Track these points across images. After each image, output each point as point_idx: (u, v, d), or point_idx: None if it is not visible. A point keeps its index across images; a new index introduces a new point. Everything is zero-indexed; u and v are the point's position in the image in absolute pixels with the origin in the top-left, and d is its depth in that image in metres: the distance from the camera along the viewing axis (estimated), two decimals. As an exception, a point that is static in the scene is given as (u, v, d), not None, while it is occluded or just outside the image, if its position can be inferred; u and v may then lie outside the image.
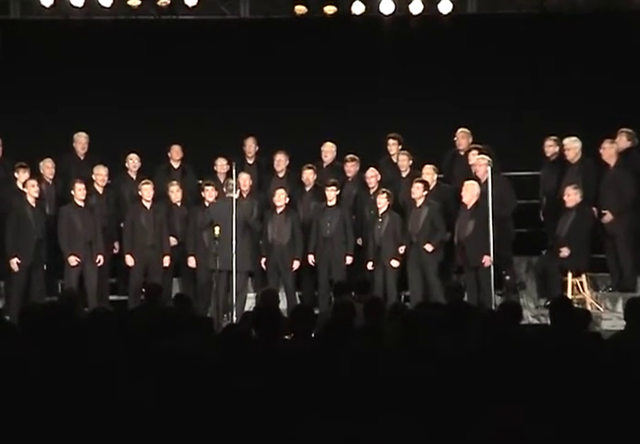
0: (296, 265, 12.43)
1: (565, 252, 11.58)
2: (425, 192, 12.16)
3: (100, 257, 12.21)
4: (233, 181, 12.05)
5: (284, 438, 4.32)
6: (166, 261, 12.39)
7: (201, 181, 13.07)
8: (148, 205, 12.46)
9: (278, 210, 12.50)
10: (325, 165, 13.24)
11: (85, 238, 12.14)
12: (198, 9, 14.51)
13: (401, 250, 12.15)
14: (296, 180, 13.22)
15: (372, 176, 12.67)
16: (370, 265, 12.24)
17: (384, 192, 12.29)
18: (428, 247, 11.95)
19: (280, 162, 13.18)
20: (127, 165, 13.11)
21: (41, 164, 12.78)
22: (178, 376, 4.72)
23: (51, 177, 12.81)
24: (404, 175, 12.81)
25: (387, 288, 12.08)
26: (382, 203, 12.28)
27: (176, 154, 13.34)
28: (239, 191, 12.47)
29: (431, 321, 6.37)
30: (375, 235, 12.25)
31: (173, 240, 12.61)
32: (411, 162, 12.81)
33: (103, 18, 14.68)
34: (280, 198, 12.47)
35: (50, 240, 12.32)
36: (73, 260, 12.04)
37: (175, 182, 12.87)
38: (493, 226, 11.43)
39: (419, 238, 12.05)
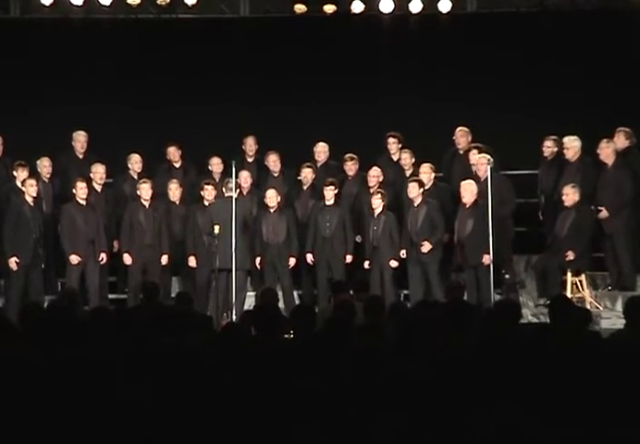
0: (292, 262, 12.44)
1: (571, 256, 11.59)
2: (421, 191, 12.18)
3: (103, 255, 12.23)
4: (233, 180, 12.06)
5: (284, 438, 4.32)
6: (164, 259, 12.39)
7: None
8: (147, 204, 12.46)
9: (271, 210, 12.49)
10: (318, 164, 13.24)
11: (87, 236, 12.15)
12: (197, 8, 14.51)
13: (403, 254, 12.16)
14: (292, 179, 13.23)
15: (374, 175, 12.67)
16: (367, 265, 12.26)
17: (378, 193, 12.31)
18: (425, 248, 11.96)
19: (276, 162, 13.17)
20: (129, 164, 13.11)
21: (38, 162, 12.77)
22: (178, 375, 4.72)
23: (48, 175, 12.80)
24: (407, 173, 12.82)
25: (384, 287, 12.09)
26: (377, 203, 12.29)
27: (172, 155, 13.34)
28: (238, 189, 12.48)
29: (431, 320, 6.38)
30: (372, 235, 12.27)
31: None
32: (413, 160, 12.82)
33: (102, 17, 14.68)
34: (272, 199, 12.46)
35: (47, 239, 12.32)
36: (74, 259, 12.05)
37: (175, 180, 12.87)
38: (492, 225, 11.44)
39: (418, 237, 12.07)
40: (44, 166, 12.77)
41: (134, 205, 12.53)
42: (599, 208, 11.95)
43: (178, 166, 13.42)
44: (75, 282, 12.00)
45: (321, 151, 13.28)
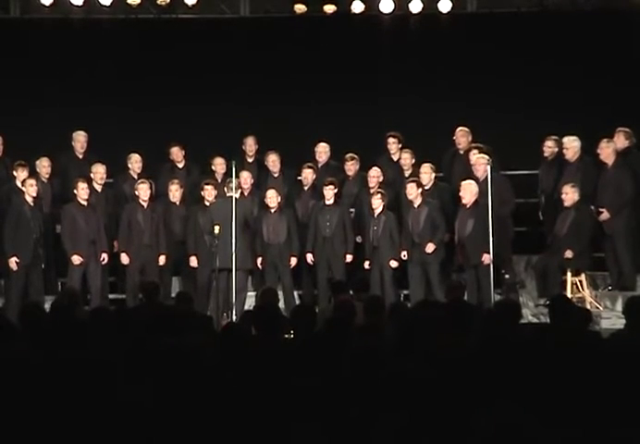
0: (293, 261, 12.44)
1: (569, 254, 11.60)
2: (420, 191, 12.19)
3: (104, 255, 12.23)
4: (233, 180, 12.06)
5: (284, 438, 4.32)
6: (162, 260, 12.39)
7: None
8: (145, 204, 12.46)
9: (272, 210, 12.50)
10: (319, 165, 13.24)
11: (88, 236, 12.16)
12: (197, 8, 14.52)
13: (404, 256, 12.16)
14: (292, 179, 13.23)
15: (374, 176, 12.67)
16: (367, 265, 12.27)
17: (378, 193, 12.32)
18: (429, 248, 11.98)
19: (275, 162, 13.17)
20: (129, 164, 13.11)
21: (37, 162, 12.77)
22: (178, 375, 4.72)
23: (47, 176, 12.80)
24: (407, 174, 12.82)
25: (384, 287, 12.09)
26: (377, 203, 12.30)
27: (176, 155, 13.36)
28: (239, 190, 12.49)
29: (431, 320, 6.38)
30: (372, 235, 12.27)
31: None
32: (413, 161, 12.83)
33: (102, 17, 14.69)
34: (272, 199, 12.46)
35: (47, 239, 12.32)
36: (76, 259, 12.05)
37: (176, 181, 12.86)
38: (492, 224, 11.45)
39: (421, 238, 12.07)
40: (43, 166, 12.77)
41: (132, 206, 12.53)
42: (600, 210, 11.96)
43: (181, 166, 13.43)
44: (77, 282, 12.00)
45: (322, 151, 13.28)
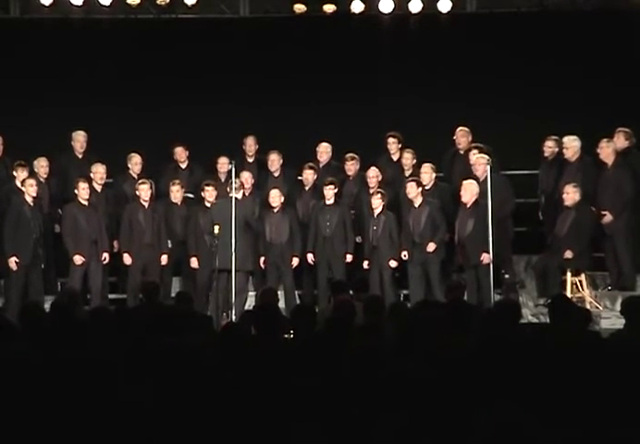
0: (295, 262, 12.44)
1: (569, 254, 11.60)
2: (420, 190, 12.18)
3: (105, 255, 12.24)
4: (236, 180, 12.04)
5: (284, 437, 4.32)
6: (164, 259, 12.39)
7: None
8: (146, 204, 12.46)
9: (275, 210, 12.50)
10: (321, 165, 13.23)
11: (90, 236, 12.16)
12: (197, 8, 14.52)
13: (404, 256, 12.16)
14: (293, 179, 13.23)
15: (373, 176, 12.67)
16: (366, 265, 12.27)
17: (378, 193, 12.32)
18: (430, 247, 11.98)
19: (274, 162, 13.17)
20: (129, 165, 13.10)
21: (35, 162, 12.76)
22: (178, 375, 4.72)
23: (45, 176, 12.79)
24: (407, 174, 12.81)
25: (384, 287, 12.09)
26: (376, 203, 12.30)
27: (179, 155, 13.35)
28: (241, 190, 12.47)
29: (431, 320, 6.38)
30: (371, 235, 12.27)
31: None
32: (414, 161, 12.82)
33: (102, 17, 14.69)
34: (275, 199, 12.46)
35: (46, 239, 12.32)
36: (78, 259, 12.05)
37: (177, 182, 12.85)
38: (492, 224, 11.45)
39: (422, 238, 12.07)
40: (41, 166, 12.76)
41: (133, 206, 12.53)
42: (603, 212, 11.93)
43: (184, 166, 13.42)
44: (78, 282, 12.00)
45: (323, 151, 13.27)
